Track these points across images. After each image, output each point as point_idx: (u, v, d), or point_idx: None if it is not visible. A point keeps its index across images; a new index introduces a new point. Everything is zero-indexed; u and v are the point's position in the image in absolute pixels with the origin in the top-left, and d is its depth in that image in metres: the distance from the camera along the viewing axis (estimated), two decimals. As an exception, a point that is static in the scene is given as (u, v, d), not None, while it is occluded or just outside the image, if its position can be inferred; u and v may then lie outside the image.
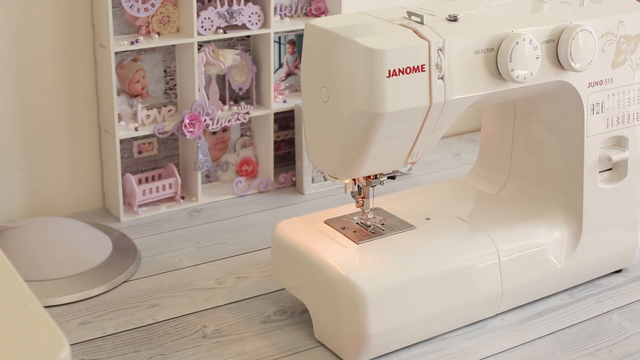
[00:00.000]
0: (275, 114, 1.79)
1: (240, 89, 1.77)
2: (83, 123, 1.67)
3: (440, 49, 1.16)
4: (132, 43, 1.59)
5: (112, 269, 1.46)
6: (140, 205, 1.68)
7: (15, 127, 1.61)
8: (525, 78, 1.22)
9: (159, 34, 1.63)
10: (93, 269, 1.45)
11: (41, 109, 1.63)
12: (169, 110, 1.68)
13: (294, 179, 1.83)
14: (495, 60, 1.21)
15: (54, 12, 1.59)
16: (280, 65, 1.82)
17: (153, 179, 1.72)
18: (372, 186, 1.31)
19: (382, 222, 1.34)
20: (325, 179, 1.81)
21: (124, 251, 1.52)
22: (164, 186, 1.69)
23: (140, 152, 1.72)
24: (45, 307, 0.92)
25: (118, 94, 1.65)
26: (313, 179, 1.80)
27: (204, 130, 1.70)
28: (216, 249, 1.56)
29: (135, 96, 1.68)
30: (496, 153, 1.47)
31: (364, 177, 1.30)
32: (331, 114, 1.18)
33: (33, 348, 0.68)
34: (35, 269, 1.42)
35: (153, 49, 1.67)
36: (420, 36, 1.16)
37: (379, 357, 1.25)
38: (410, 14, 1.20)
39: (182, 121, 1.66)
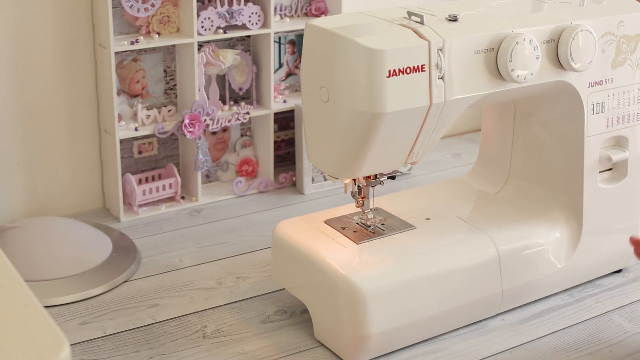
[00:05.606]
0: (275, 114, 1.79)
1: (240, 89, 1.77)
2: (83, 123, 1.67)
3: (440, 49, 1.16)
4: (132, 43, 1.59)
5: (112, 269, 1.46)
6: (140, 205, 1.68)
7: (15, 127, 1.61)
8: (525, 78, 1.22)
9: (159, 34, 1.63)
10: (93, 269, 1.45)
11: (41, 109, 1.63)
12: (169, 110, 1.68)
13: (294, 179, 1.83)
14: (495, 60, 1.21)
15: (54, 12, 1.59)
16: (280, 65, 1.82)
17: (153, 179, 1.72)
18: (372, 186, 1.31)
19: (382, 222, 1.34)
20: (325, 179, 1.81)
21: (124, 251, 1.52)
22: (164, 186, 1.69)
23: (140, 152, 1.72)
24: (45, 307, 0.92)
25: (118, 94, 1.65)
26: (313, 179, 1.80)
27: (204, 130, 1.70)
28: (216, 249, 1.56)
29: (135, 96, 1.68)
30: (496, 153, 1.47)
31: (364, 177, 1.30)
32: (331, 114, 1.18)
33: (33, 348, 0.68)
34: (35, 269, 1.42)
35: (153, 49, 1.67)
36: (420, 36, 1.16)
37: (379, 357, 1.25)
38: (410, 14, 1.20)
39: (182, 121, 1.65)
